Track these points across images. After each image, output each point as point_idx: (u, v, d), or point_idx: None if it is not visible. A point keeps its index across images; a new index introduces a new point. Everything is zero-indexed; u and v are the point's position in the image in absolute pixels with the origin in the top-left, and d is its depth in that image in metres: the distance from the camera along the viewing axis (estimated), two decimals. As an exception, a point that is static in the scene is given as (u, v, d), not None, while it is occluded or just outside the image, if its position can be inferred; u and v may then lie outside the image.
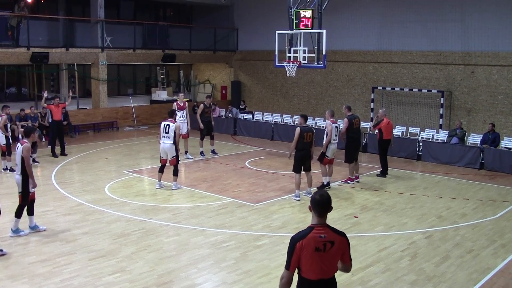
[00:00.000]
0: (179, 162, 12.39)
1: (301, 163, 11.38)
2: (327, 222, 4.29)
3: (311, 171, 11.67)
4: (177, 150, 12.02)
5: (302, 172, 11.49)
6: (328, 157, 12.29)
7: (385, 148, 13.91)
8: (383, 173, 14.06)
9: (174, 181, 12.10)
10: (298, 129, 11.17)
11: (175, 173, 12.04)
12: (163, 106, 23.82)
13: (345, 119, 12.97)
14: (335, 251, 4.21)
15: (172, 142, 11.88)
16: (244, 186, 12.54)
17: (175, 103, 15.75)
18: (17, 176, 8.92)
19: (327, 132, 12.29)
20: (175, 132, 11.85)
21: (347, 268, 4.38)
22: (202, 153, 16.08)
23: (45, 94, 16.10)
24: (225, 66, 26.65)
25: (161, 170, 12.16)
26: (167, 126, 11.93)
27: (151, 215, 10.16)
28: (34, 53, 18.82)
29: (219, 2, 25.17)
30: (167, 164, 12.16)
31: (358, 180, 13.25)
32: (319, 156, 12.34)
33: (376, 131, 14.27)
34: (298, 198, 11.35)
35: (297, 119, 19.59)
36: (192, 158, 15.70)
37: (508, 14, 16.86)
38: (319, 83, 22.28)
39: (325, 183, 12.43)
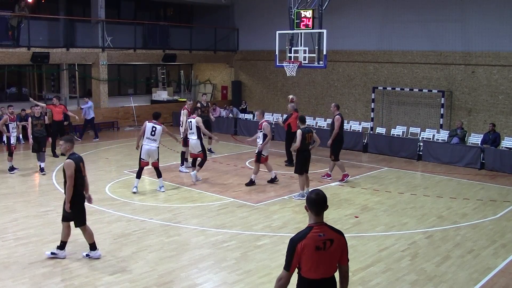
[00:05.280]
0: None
1: (304, 164, 11.40)
2: (325, 222, 4.28)
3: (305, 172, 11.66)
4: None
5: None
6: (264, 155, 12.49)
7: (290, 140, 14.49)
8: (291, 163, 14.42)
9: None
10: (299, 131, 11.21)
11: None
12: (163, 106, 23.84)
13: (337, 116, 13.00)
14: (335, 249, 4.20)
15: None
16: (245, 186, 12.53)
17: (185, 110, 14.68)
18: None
19: (265, 134, 12.35)
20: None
21: (345, 269, 4.33)
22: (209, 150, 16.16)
23: (31, 100, 16.30)
24: (226, 66, 26.65)
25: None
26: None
27: (151, 215, 10.16)
28: (35, 53, 18.83)
29: (220, 2, 25.17)
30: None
31: (330, 178, 13.36)
32: (256, 155, 12.49)
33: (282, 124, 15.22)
34: (304, 198, 11.29)
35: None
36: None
37: (509, 14, 16.84)
38: (320, 83, 22.28)
39: (254, 178, 12.60)
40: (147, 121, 11.81)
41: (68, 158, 7.62)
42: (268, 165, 12.79)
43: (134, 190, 11.66)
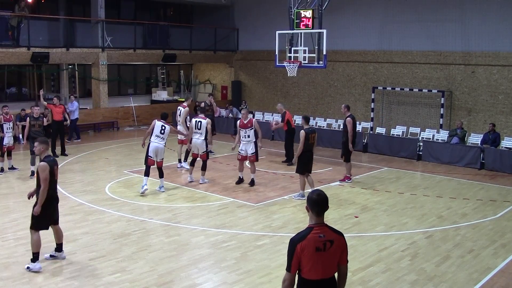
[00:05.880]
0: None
1: (307, 165, 11.33)
2: (325, 222, 4.28)
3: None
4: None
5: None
6: (243, 154, 12.54)
7: (293, 136, 15.20)
8: (290, 160, 14.98)
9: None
10: (302, 132, 11.11)
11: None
12: (163, 106, 23.84)
13: (348, 119, 12.94)
14: (335, 249, 4.20)
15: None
16: (245, 186, 12.53)
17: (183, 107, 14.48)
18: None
19: (256, 130, 12.35)
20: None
21: (344, 270, 4.33)
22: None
23: (42, 92, 16.32)
24: (226, 66, 26.65)
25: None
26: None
27: (151, 215, 10.16)
28: (35, 53, 18.82)
29: (220, 2, 25.18)
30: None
31: (350, 180, 13.29)
32: (256, 155, 12.43)
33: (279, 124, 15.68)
34: (304, 198, 11.23)
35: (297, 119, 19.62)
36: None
37: (509, 14, 16.85)
38: (320, 83, 22.28)
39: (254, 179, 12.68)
40: (156, 120, 11.81)
41: (42, 161, 7.33)
42: (242, 165, 12.71)
43: (145, 188, 11.52)
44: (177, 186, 12.46)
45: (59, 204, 7.78)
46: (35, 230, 7.41)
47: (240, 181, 12.71)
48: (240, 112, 22.96)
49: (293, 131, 15.44)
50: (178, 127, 14.12)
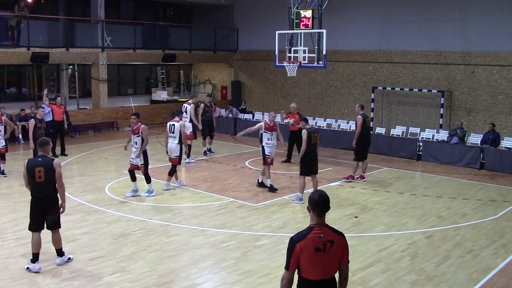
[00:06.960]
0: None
1: (310, 166, 11.20)
2: (326, 222, 4.28)
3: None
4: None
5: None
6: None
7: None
8: (289, 160, 15.33)
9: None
10: (305, 131, 10.97)
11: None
12: (163, 106, 23.85)
13: (358, 117, 13.02)
14: (335, 250, 4.19)
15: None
16: (245, 186, 12.53)
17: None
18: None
19: (267, 131, 12.03)
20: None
21: (345, 271, 4.31)
22: (205, 153, 16.16)
23: (45, 91, 16.24)
24: (225, 66, 26.65)
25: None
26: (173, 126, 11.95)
27: (151, 215, 10.16)
28: (34, 53, 18.82)
29: (219, 2, 25.17)
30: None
31: (364, 179, 13.27)
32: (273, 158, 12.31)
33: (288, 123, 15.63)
34: (302, 202, 11.06)
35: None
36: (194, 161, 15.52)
37: (508, 14, 16.86)
38: (319, 83, 22.28)
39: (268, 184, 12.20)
40: (143, 125, 11.50)
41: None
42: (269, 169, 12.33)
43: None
44: (177, 186, 12.44)
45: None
46: (31, 230, 7.41)
47: (262, 184, 12.33)
48: (240, 113, 23.07)
49: (299, 130, 15.47)
50: (186, 124, 14.57)
